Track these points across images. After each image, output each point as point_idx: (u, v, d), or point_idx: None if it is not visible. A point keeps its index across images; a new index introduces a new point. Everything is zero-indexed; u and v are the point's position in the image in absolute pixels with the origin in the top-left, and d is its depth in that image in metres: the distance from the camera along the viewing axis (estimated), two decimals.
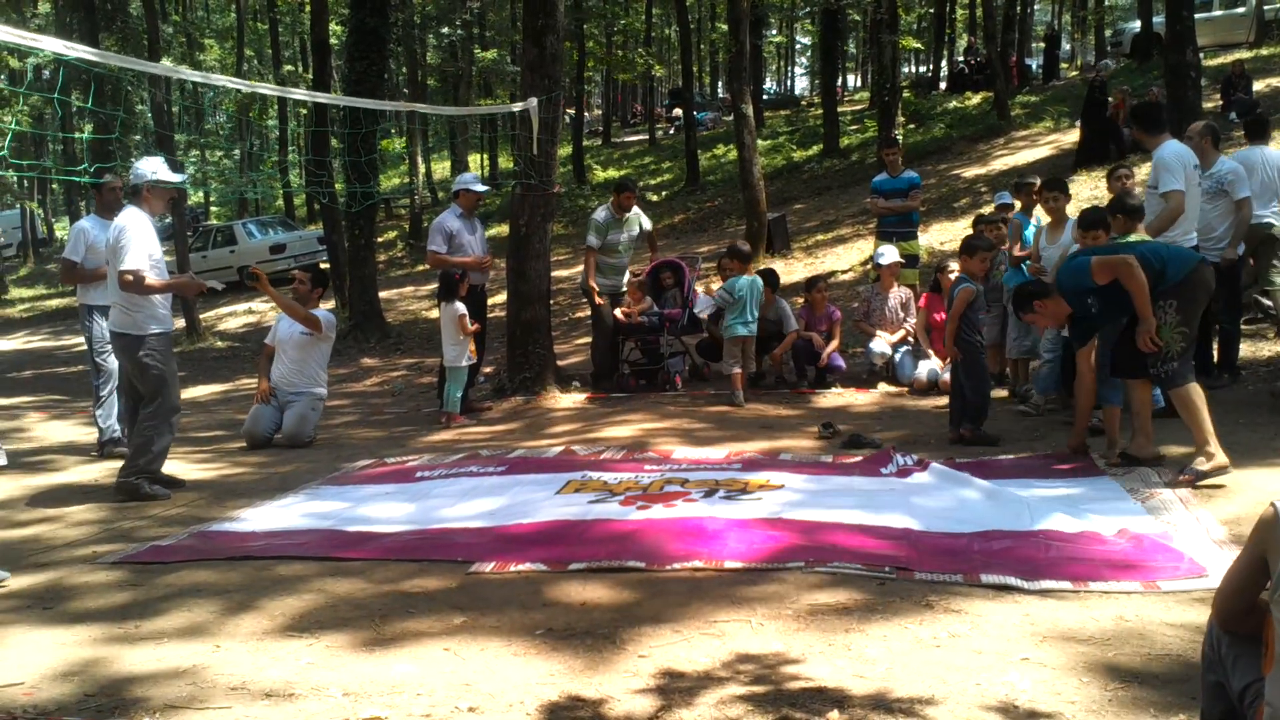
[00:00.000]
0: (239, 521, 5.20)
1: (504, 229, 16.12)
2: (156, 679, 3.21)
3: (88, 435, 8.38)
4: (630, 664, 3.17)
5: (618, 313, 8.76)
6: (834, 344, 8.50)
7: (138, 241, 5.62)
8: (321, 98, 11.13)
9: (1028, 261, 7.23)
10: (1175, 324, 5.02)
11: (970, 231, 8.31)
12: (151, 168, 5.81)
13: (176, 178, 5.99)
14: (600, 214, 9.04)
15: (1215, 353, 7.07)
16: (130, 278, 5.58)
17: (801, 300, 9.22)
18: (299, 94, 10.75)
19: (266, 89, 13.78)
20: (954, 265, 7.13)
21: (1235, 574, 2.26)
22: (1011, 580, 3.72)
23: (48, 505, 5.74)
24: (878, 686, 2.93)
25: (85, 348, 7.24)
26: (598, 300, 8.87)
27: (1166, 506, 4.59)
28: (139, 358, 5.72)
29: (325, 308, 7.93)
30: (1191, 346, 5.12)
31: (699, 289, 9.40)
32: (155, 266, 5.75)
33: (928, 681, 2.95)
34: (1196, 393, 4.95)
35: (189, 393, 6.86)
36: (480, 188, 8.58)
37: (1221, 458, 4.86)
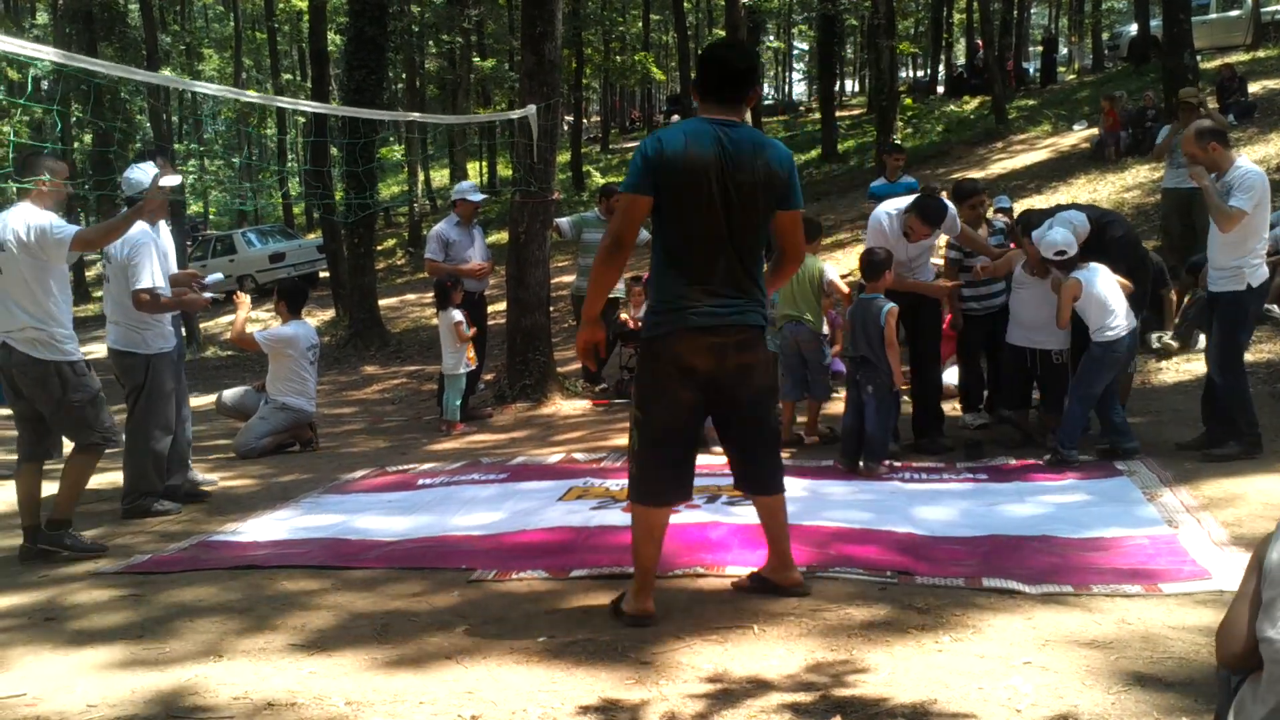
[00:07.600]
0: (240, 532, 5.19)
1: (504, 236, 16.13)
2: (158, 689, 3.20)
3: None
4: (632, 671, 3.17)
5: (623, 316, 8.76)
6: (835, 349, 8.49)
7: (150, 258, 5.42)
8: (322, 108, 11.15)
9: None
10: None
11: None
12: (142, 176, 5.51)
13: (172, 181, 5.42)
14: (590, 212, 9.50)
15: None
16: (147, 296, 5.40)
17: None
18: (302, 104, 10.72)
19: (263, 100, 13.81)
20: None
21: (1234, 608, 2.16)
22: (1014, 584, 3.72)
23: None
24: (880, 692, 2.93)
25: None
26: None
27: (1170, 508, 4.59)
28: (142, 377, 5.55)
29: (318, 319, 8.00)
30: None
31: None
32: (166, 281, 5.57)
33: (931, 687, 2.94)
34: None
35: (191, 402, 6.87)
36: (476, 196, 8.62)
37: None
